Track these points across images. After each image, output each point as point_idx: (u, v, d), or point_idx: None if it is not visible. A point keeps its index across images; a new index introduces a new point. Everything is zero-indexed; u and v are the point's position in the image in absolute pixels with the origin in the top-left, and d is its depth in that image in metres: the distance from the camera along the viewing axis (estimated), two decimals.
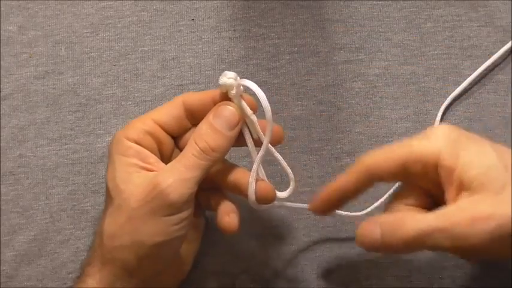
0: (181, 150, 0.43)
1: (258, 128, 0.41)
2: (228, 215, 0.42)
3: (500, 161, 0.36)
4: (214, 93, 0.42)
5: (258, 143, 0.42)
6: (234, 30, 0.52)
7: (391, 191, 0.48)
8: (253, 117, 0.41)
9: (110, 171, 0.41)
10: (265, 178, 0.43)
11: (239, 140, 0.42)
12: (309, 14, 0.52)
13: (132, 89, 0.52)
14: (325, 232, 0.49)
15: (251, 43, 0.52)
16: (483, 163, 0.36)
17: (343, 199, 0.42)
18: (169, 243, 0.40)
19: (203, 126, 0.41)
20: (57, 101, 0.52)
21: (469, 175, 0.36)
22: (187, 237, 0.42)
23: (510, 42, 0.51)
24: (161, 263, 0.41)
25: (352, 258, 0.49)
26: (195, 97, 0.42)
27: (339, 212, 0.47)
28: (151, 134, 0.41)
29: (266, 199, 0.42)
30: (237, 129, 0.41)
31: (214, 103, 0.41)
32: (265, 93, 0.40)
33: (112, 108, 0.51)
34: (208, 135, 0.40)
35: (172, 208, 0.39)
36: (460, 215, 0.35)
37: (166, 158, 0.43)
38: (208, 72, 0.52)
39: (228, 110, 0.41)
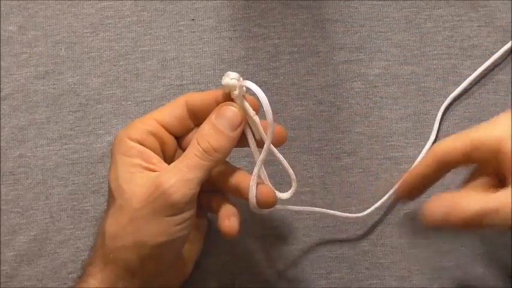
0: (184, 150, 0.43)
1: (261, 128, 0.41)
2: (228, 219, 0.42)
3: None
4: (217, 93, 0.42)
5: (260, 144, 0.42)
6: (234, 30, 0.52)
7: (391, 191, 0.48)
8: (256, 118, 0.41)
9: (112, 172, 0.41)
10: (267, 180, 0.43)
11: (241, 141, 0.42)
12: (309, 14, 0.52)
13: (132, 89, 0.52)
14: (325, 232, 0.49)
15: (251, 43, 0.52)
16: None
17: (424, 186, 0.43)
18: (172, 244, 0.40)
19: (205, 126, 0.41)
20: (57, 101, 0.52)
21: None
22: (189, 238, 0.42)
23: (510, 42, 0.51)
24: (163, 263, 0.41)
25: (352, 258, 0.49)
26: (197, 97, 0.42)
27: (340, 213, 0.47)
28: (154, 134, 0.41)
29: (267, 204, 0.42)
30: (239, 130, 0.41)
31: (217, 103, 0.41)
32: (265, 93, 0.40)
33: (112, 108, 0.51)
34: (211, 135, 0.40)
35: (174, 208, 0.39)
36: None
37: (169, 158, 0.43)
38: (208, 72, 0.52)
39: (231, 111, 0.41)
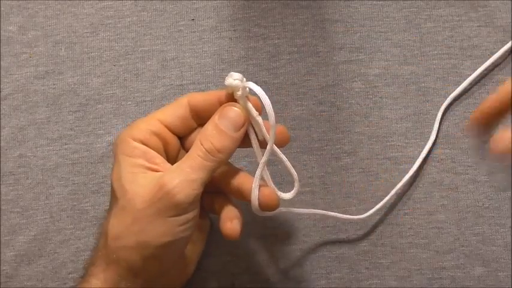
0: (186, 150, 0.43)
1: (264, 129, 0.41)
2: (230, 221, 0.42)
3: None
4: (220, 93, 0.42)
5: (263, 144, 0.42)
6: (234, 30, 0.52)
7: (392, 192, 0.48)
8: (259, 119, 0.41)
9: (115, 172, 0.41)
10: (271, 181, 0.43)
11: (244, 141, 0.42)
12: (309, 14, 0.52)
13: (132, 89, 0.52)
14: (325, 232, 0.49)
15: (251, 43, 0.52)
16: None
17: (500, 113, 0.39)
18: (175, 244, 0.40)
19: (209, 127, 0.41)
20: (57, 101, 0.52)
21: None
22: (192, 239, 0.42)
23: (510, 42, 0.51)
24: (166, 263, 0.41)
25: (352, 258, 0.49)
26: (200, 97, 0.42)
27: (340, 215, 0.47)
28: (157, 134, 0.41)
29: (269, 206, 0.42)
30: (242, 131, 0.41)
31: (220, 104, 0.41)
32: (265, 93, 0.40)
33: (112, 108, 0.51)
34: (214, 136, 0.40)
35: (178, 209, 0.39)
36: None
37: (172, 158, 0.43)
38: (208, 72, 0.52)
39: (234, 111, 0.41)
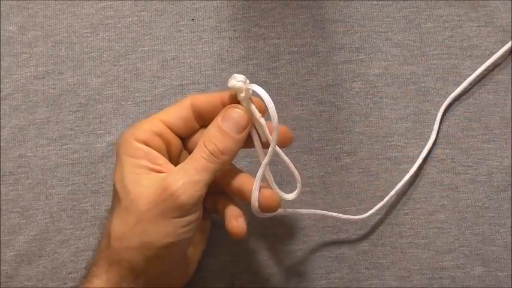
0: (189, 151, 0.43)
1: (267, 131, 0.41)
2: (236, 220, 0.42)
3: None
4: (223, 95, 0.42)
5: (266, 145, 0.42)
6: (234, 30, 0.52)
7: (392, 192, 0.48)
8: (262, 120, 0.41)
9: (117, 173, 0.41)
10: (273, 183, 0.43)
11: (247, 142, 0.42)
12: (309, 14, 0.52)
13: (132, 89, 0.52)
14: (325, 232, 0.49)
15: (251, 43, 0.52)
16: None
17: None
18: (178, 245, 0.40)
19: (212, 129, 0.41)
20: (57, 101, 0.52)
21: None
22: (194, 240, 0.42)
23: (510, 42, 0.51)
24: (168, 264, 0.41)
25: (352, 258, 0.49)
26: (203, 99, 0.42)
27: (341, 215, 0.47)
28: (160, 135, 0.41)
29: (269, 208, 0.42)
30: (245, 132, 0.41)
31: (223, 105, 0.41)
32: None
33: (112, 108, 0.51)
34: (217, 138, 0.40)
35: (182, 210, 0.39)
36: None
37: (174, 159, 0.43)
38: (208, 72, 0.52)
39: (237, 113, 0.41)
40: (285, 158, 0.42)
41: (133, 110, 0.51)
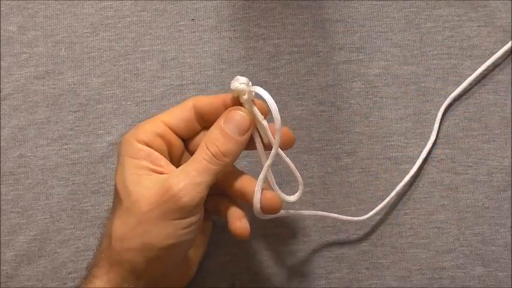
0: (190, 152, 0.43)
1: (269, 133, 0.41)
2: (239, 220, 0.42)
3: None
4: (225, 97, 0.42)
5: (268, 147, 0.42)
6: (234, 30, 0.52)
7: (393, 193, 0.48)
8: (264, 123, 0.41)
9: (119, 173, 0.41)
10: (275, 185, 0.43)
11: (249, 144, 0.42)
12: (309, 14, 0.52)
13: (132, 89, 0.52)
14: (325, 232, 0.49)
15: (251, 43, 0.52)
16: None
17: None
18: (179, 246, 0.40)
19: (214, 130, 0.41)
20: (57, 101, 0.52)
21: None
22: (195, 241, 0.42)
23: (510, 42, 0.51)
24: (169, 265, 0.41)
25: (352, 258, 0.49)
26: (206, 101, 0.42)
27: (341, 216, 0.47)
28: (161, 136, 0.41)
29: (271, 210, 0.42)
30: (247, 134, 0.41)
31: (225, 107, 0.41)
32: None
33: (112, 108, 0.51)
34: (219, 139, 0.40)
35: (183, 212, 0.39)
36: None
37: (176, 161, 0.43)
38: (208, 72, 0.52)
39: (239, 115, 0.41)
40: (287, 160, 0.42)
41: (133, 110, 0.51)
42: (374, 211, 0.48)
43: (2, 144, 0.51)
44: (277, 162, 0.43)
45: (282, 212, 0.44)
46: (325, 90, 0.51)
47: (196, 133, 0.43)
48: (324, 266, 0.49)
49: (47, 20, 0.53)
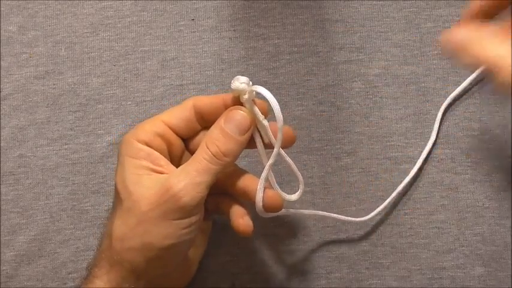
0: (190, 152, 0.43)
1: (270, 132, 0.41)
2: (242, 218, 0.42)
3: None
4: (225, 96, 0.42)
5: (268, 146, 0.42)
6: (234, 30, 0.52)
7: (394, 194, 0.48)
8: (265, 122, 0.41)
9: (119, 173, 0.41)
10: (275, 184, 0.43)
11: (249, 143, 0.42)
12: (309, 14, 0.52)
13: (132, 89, 0.52)
14: (325, 232, 0.49)
15: (251, 43, 0.52)
16: None
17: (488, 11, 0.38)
18: (179, 246, 0.40)
19: (214, 130, 0.41)
20: (57, 101, 0.52)
21: None
22: (195, 241, 0.42)
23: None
24: (169, 265, 0.41)
25: (352, 258, 0.49)
26: (206, 100, 0.42)
27: (343, 217, 0.47)
28: (161, 136, 0.41)
29: (273, 208, 0.42)
30: (248, 134, 0.41)
31: (226, 107, 0.41)
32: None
33: (112, 108, 0.51)
34: (220, 139, 0.40)
35: (183, 212, 0.39)
36: None
37: (176, 160, 0.43)
38: (208, 72, 0.52)
39: (240, 115, 0.41)
40: (288, 159, 0.43)
41: (133, 110, 0.51)
42: (375, 212, 0.48)
43: (2, 144, 0.51)
44: (277, 162, 0.43)
45: (283, 210, 0.44)
46: (325, 90, 0.51)
47: (196, 133, 0.43)
48: (324, 266, 0.49)
49: (47, 20, 0.53)
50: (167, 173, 0.40)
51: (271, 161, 0.41)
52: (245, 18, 0.53)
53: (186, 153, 0.43)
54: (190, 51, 0.52)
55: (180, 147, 0.43)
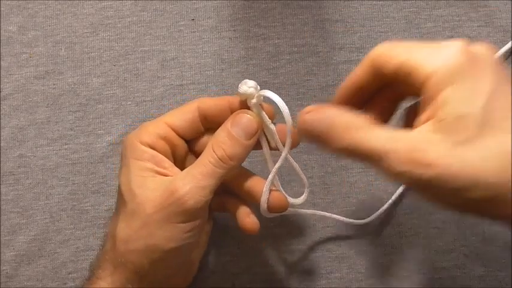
0: (194, 154, 0.43)
1: (277, 137, 0.41)
2: (248, 217, 0.42)
3: (486, 110, 0.31)
4: (231, 99, 0.41)
5: (274, 148, 0.42)
6: (234, 30, 0.52)
7: (393, 197, 0.48)
8: (272, 126, 0.41)
9: (123, 175, 0.41)
10: (280, 187, 0.43)
11: (255, 146, 0.42)
12: (309, 14, 0.52)
13: (132, 89, 0.52)
14: (325, 232, 0.49)
15: (251, 43, 0.52)
16: (463, 106, 0.31)
17: (357, 93, 0.38)
18: (182, 249, 0.40)
19: (221, 133, 0.40)
20: (57, 101, 0.52)
21: (443, 112, 0.31)
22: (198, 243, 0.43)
23: (510, 42, 0.51)
24: (172, 267, 0.41)
25: (352, 258, 0.49)
26: (210, 102, 0.42)
27: (342, 218, 0.47)
28: (164, 138, 0.41)
29: (278, 209, 0.43)
30: (254, 138, 0.41)
31: (232, 111, 0.41)
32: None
33: (112, 108, 0.51)
34: (226, 143, 0.40)
35: (187, 215, 0.39)
36: (404, 144, 0.31)
37: (179, 162, 0.43)
38: (208, 72, 0.52)
39: (247, 119, 0.41)
40: (294, 163, 0.43)
41: (133, 110, 0.51)
42: (375, 215, 0.48)
43: (2, 144, 0.51)
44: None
45: (285, 212, 0.44)
46: (325, 90, 0.51)
47: (200, 134, 0.43)
48: (324, 266, 0.49)
49: (47, 20, 0.53)
50: (171, 175, 0.40)
51: (278, 164, 0.41)
52: (245, 18, 0.53)
53: (190, 155, 0.43)
54: (190, 51, 0.52)
55: (184, 149, 0.43)
